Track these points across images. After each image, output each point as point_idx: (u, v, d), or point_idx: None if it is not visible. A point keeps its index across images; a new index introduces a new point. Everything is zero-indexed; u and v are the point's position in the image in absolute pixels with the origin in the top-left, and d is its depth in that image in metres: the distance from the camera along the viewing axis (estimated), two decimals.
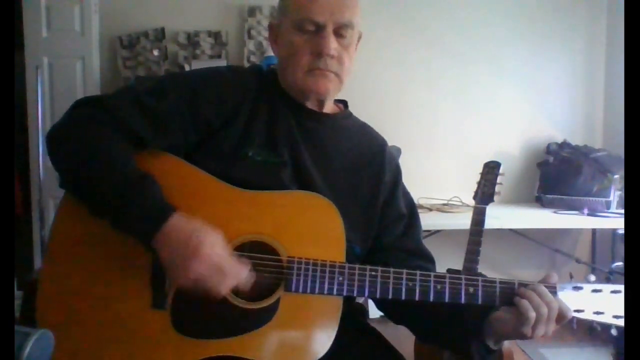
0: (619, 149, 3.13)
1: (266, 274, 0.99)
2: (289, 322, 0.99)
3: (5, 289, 0.69)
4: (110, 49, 3.28)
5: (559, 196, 3.13)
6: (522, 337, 0.96)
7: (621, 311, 0.98)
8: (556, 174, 3.20)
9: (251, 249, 1.00)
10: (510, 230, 2.85)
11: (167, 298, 0.97)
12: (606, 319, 0.99)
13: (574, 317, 0.99)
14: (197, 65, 3.16)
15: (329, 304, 1.01)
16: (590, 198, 3.00)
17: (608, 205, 2.97)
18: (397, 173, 1.22)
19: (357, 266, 0.99)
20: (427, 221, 2.70)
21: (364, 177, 1.16)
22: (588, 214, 2.89)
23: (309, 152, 1.11)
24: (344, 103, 1.25)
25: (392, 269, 1.00)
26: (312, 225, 1.02)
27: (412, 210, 1.22)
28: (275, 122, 1.10)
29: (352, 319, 1.18)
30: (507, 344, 1.96)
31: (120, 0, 3.28)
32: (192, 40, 3.25)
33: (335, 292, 0.98)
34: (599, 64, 3.48)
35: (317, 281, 0.98)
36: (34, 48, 3.13)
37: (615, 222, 2.79)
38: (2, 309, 0.66)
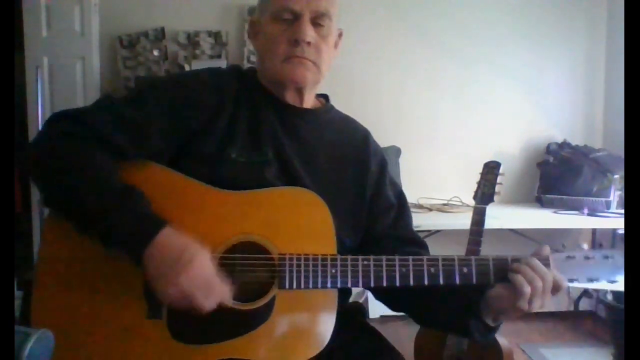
0: (619, 149, 3.13)
1: (259, 274, 0.98)
2: (286, 319, 0.99)
3: (5, 289, 0.69)
4: (110, 49, 3.28)
5: (559, 196, 3.13)
6: (520, 311, 0.97)
7: (614, 276, 0.99)
8: (556, 174, 3.20)
9: (242, 250, 0.99)
10: (510, 230, 2.85)
11: (162, 307, 0.97)
12: (601, 285, 1.00)
13: (568, 286, 1.00)
14: (197, 65, 3.16)
15: (325, 297, 1.01)
16: (590, 198, 3.00)
17: (608, 205, 2.97)
18: (382, 163, 1.22)
19: (349, 257, 0.99)
20: (427, 221, 2.71)
21: (349, 170, 1.16)
22: (588, 214, 2.88)
23: (293, 149, 1.11)
24: (325, 97, 1.24)
25: (384, 257, 1.00)
26: (300, 220, 1.02)
27: (401, 199, 1.22)
28: (257, 121, 1.10)
29: (351, 319, 1.18)
30: (507, 344, 1.96)
31: (120, 0, 3.28)
32: (192, 40, 3.25)
33: (329, 284, 0.98)
34: (599, 64, 3.48)
35: (310, 276, 0.98)
36: (34, 48, 3.13)
37: (615, 222, 2.79)
38: (2, 309, 0.66)
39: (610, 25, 3.42)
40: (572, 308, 3.34)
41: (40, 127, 3.14)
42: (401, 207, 1.21)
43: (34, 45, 3.13)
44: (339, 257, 0.99)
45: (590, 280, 1.00)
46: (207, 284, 0.92)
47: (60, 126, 0.99)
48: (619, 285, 1.00)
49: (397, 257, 1.00)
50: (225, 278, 0.95)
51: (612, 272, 1.00)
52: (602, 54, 3.47)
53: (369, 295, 2.82)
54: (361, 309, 1.27)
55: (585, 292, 3.28)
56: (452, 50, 3.37)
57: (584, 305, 3.35)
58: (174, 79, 1.18)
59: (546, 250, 1.01)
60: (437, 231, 2.83)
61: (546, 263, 0.98)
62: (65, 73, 3.16)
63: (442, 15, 3.38)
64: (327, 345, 1.04)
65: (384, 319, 2.89)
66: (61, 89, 3.14)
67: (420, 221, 2.60)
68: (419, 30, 3.37)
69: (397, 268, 0.99)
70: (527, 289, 0.94)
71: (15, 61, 2.72)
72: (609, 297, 0.86)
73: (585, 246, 1.04)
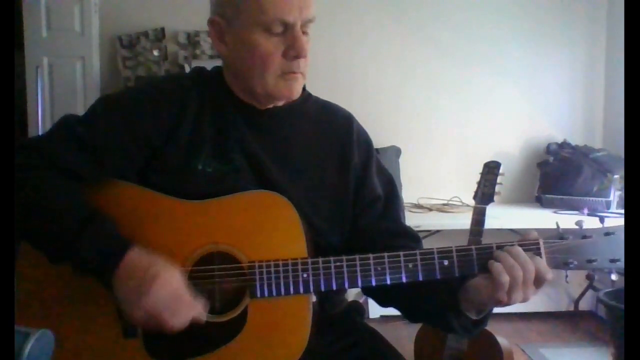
0: (619, 149, 3.13)
1: (230, 284, 0.96)
2: (260, 327, 0.96)
3: (5, 289, 0.69)
4: (110, 49, 3.28)
5: (559, 196, 3.13)
6: (499, 303, 0.91)
7: (617, 253, 0.90)
8: (556, 174, 3.20)
9: (212, 261, 0.97)
10: (510, 230, 2.85)
11: (137, 326, 0.96)
12: (602, 264, 0.91)
13: (566, 270, 0.92)
14: (197, 65, 3.16)
15: (298, 301, 0.97)
16: (590, 198, 3.00)
17: (608, 205, 2.97)
18: (368, 151, 1.14)
19: (320, 259, 0.95)
20: (427, 221, 2.72)
21: (331, 162, 1.10)
22: (588, 214, 2.88)
23: (266, 151, 1.06)
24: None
25: (358, 256, 0.95)
26: (267, 225, 0.98)
27: (389, 188, 1.14)
28: (224, 127, 1.05)
29: (349, 320, 1.16)
30: (507, 344, 1.96)
31: (120, 0, 3.28)
32: (192, 40, 3.25)
33: (301, 289, 0.95)
34: (599, 64, 3.48)
35: (282, 282, 0.95)
36: (34, 48, 3.13)
37: (615, 222, 2.78)
38: (2, 309, 0.66)
39: (610, 25, 3.42)
40: (572, 308, 3.34)
41: (40, 127, 3.16)
42: (390, 197, 1.13)
43: (34, 45, 3.13)
44: (309, 260, 0.95)
45: (589, 261, 0.91)
46: (174, 302, 0.89)
47: (22, 158, 0.97)
48: (622, 264, 0.91)
49: (371, 256, 0.95)
50: (197, 292, 0.92)
51: (615, 249, 0.90)
52: (602, 54, 3.47)
53: None
54: (359, 309, 1.24)
55: (590, 286, 3.27)
56: (452, 50, 3.37)
57: (584, 305, 3.35)
58: (130, 94, 1.14)
59: (533, 234, 0.95)
60: (437, 231, 2.83)
61: (536, 248, 0.92)
62: (65, 73, 3.16)
63: (442, 15, 3.37)
64: (326, 350, 1.03)
65: (383, 319, 2.89)
66: (61, 89, 3.15)
67: (420, 221, 2.60)
68: (419, 30, 3.37)
69: (372, 267, 0.94)
70: (505, 279, 0.88)
71: (15, 61, 2.72)
72: (613, 277, 0.79)
73: (584, 223, 0.94)
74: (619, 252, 0.91)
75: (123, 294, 0.91)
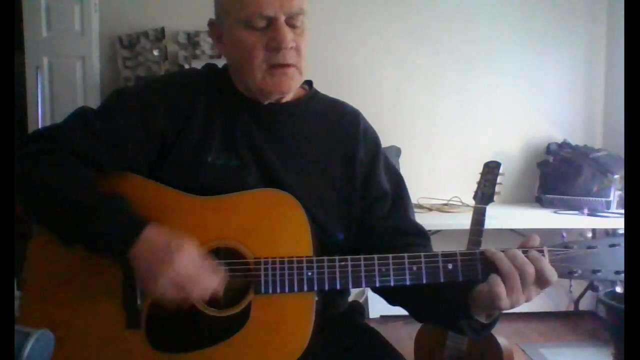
0: (619, 149, 3.13)
1: (235, 279, 0.97)
2: (263, 324, 0.97)
3: (5, 289, 0.69)
4: (110, 49, 3.28)
5: (559, 196, 3.13)
6: (500, 309, 0.91)
7: (622, 266, 0.90)
8: (556, 174, 3.20)
9: (218, 256, 0.98)
10: (510, 230, 2.85)
11: (141, 317, 0.97)
12: (606, 275, 0.91)
13: (570, 279, 0.92)
14: (197, 65, 3.16)
15: (301, 299, 0.97)
16: (590, 198, 3.00)
17: (608, 205, 2.97)
18: (375, 148, 1.15)
19: (325, 258, 0.96)
20: (427, 221, 2.69)
21: (338, 159, 1.11)
22: (588, 214, 2.88)
23: (273, 148, 1.07)
24: (309, 83, 1.17)
25: (362, 256, 0.96)
26: (275, 223, 1.00)
27: (397, 185, 1.15)
28: (232, 123, 1.07)
29: (350, 320, 1.17)
30: (507, 344, 1.96)
31: (120, 0, 3.28)
32: (192, 40, 3.25)
33: (305, 287, 0.95)
34: (599, 64, 3.48)
35: (286, 279, 0.96)
36: (34, 48, 3.13)
37: (615, 222, 2.78)
38: (2, 309, 0.66)
39: (610, 25, 3.42)
40: (572, 308, 3.34)
41: (40, 127, 3.15)
42: (398, 194, 1.14)
43: (34, 45, 3.13)
44: (315, 259, 0.96)
45: (594, 272, 0.91)
46: (197, 272, 0.91)
47: (38, 145, 1.00)
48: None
49: (375, 257, 0.95)
50: (217, 265, 0.94)
51: (620, 261, 0.90)
52: (602, 54, 3.47)
53: (369, 294, 2.81)
54: (360, 309, 1.25)
55: (590, 286, 3.27)
56: (452, 50, 3.37)
57: (584, 305, 3.35)
58: (143, 86, 1.16)
59: (535, 240, 0.94)
60: (437, 231, 2.83)
61: (538, 254, 0.91)
62: (65, 73, 3.16)
63: (442, 15, 3.38)
64: (326, 349, 1.03)
65: (384, 319, 2.89)
66: (61, 89, 3.15)
67: (420, 221, 2.57)
68: (419, 30, 3.37)
69: (376, 268, 0.95)
70: (500, 289, 0.88)
71: (15, 61, 2.71)
72: (618, 289, 0.78)
73: (590, 234, 0.96)
74: (623, 264, 0.91)
75: (145, 266, 0.92)
